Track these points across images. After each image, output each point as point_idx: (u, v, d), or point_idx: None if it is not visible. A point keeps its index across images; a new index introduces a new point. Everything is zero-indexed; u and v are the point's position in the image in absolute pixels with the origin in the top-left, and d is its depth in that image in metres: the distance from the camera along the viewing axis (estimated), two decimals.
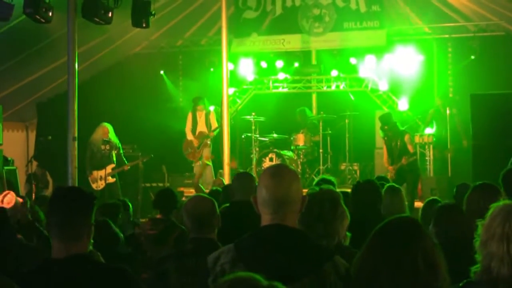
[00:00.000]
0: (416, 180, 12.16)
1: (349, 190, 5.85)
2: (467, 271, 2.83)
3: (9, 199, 6.58)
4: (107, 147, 12.90)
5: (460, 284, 2.83)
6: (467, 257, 3.00)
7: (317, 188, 3.88)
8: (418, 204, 11.90)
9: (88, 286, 3.05)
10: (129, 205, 7.86)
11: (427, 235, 2.58)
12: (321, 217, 3.67)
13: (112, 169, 12.97)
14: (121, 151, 13.30)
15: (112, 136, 13.05)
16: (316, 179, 7.67)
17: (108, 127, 13.04)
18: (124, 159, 13.29)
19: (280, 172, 3.03)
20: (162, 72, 16.52)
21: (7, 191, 6.98)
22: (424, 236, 2.55)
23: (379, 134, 12.92)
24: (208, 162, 13.73)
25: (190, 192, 12.56)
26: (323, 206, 3.70)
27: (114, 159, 13.06)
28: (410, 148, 12.13)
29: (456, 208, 4.66)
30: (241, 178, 6.14)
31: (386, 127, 12.27)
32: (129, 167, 13.26)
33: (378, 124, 13.92)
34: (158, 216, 6.55)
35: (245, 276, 2.28)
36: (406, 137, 12.20)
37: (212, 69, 15.54)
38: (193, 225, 4.38)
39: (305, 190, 3.48)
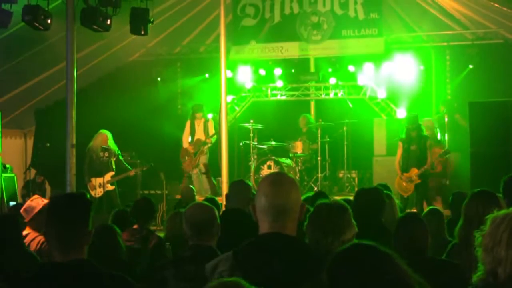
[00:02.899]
0: (425, 190, 11.67)
1: (349, 198, 5.81)
2: None
3: (35, 203, 6.62)
4: (106, 154, 12.81)
5: None
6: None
7: (327, 200, 3.95)
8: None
9: None
10: None
11: (397, 262, 2.37)
12: (330, 220, 3.67)
13: (112, 176, 12.92)
14: (121, 158, 13.25)
15: (111, 144, 12.99)
16: (313, 192, 7.62)
17: (107, 134, 12.99)
18: (127, 165, 13.24)
19: (279, 180, 3.02)
20: (159, 79, 16.55)
21: (36, 196, 7.04)
22: (395, 264, 2.35)
23: (396, 136, 12.59)
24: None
25: None
26: (331, 211, 3.72)
27: (114, 166, 13.01)
28: (428, 154, 11.63)
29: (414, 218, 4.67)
30: (235, 186, 6.13)
31: (411, 126, 11.68)
32: (134, 173, 13.17)
33: (377, 132, 13.96)
34: (135, 226, 6.52)
35: (230, 281, 2.28)
36: (428, 143, 11.75)
37: (207, 75, 15.58)
38: (192, 232, 4.37)
39: None
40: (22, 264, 4.84)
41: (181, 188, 11.96)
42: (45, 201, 6.74)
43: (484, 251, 2.76)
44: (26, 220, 6.47)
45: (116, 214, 7.10)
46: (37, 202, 6.69)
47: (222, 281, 2.30)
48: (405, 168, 11.64)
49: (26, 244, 6.24)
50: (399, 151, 11.83)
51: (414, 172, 11.50)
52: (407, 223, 4.55)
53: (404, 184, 11.49)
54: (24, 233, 6.31)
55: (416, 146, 11.63)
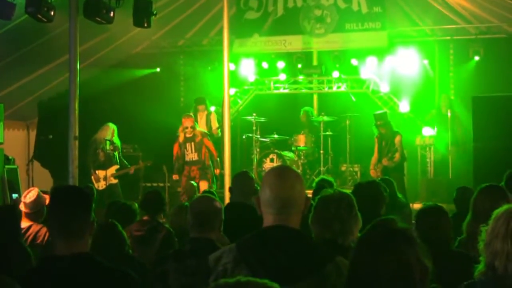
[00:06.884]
0: (400, 181, 11.88)
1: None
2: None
3: (31, 195, 6.62)
4: (111, 147, 12.88)
5: (465, 283, 2.87)
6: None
7: (331, 190, 3.91)
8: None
9: (91, 286, 3.06)
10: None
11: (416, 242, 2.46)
12: (337, 215, 3.70)
13: (116, 170, 12.96)
14: (121, 154, 13.30)
15: (116, 138, 13.05)
16: (317, 179, 7.68)
17: (115, 128, 13.04)
18: (125, 161, 13.28)
19: (284, 173, 3.02)
20: (158, 69, 16.55)
21: (32, 188, 7.05)
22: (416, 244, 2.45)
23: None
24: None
25: None
26: (340, 205, 3.75)
27: (118, 160, 13.06)
28: (397, 149, 12.28)
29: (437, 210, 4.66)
30: (238, 178, 6.13)
31: (379, 123, 12.43)
32: (133, 170, 13.24)
33: None
34: (145, 217, 6.60)
35: (258, 282, 2.27)
36: (397, 139, 12.29)
37: (209, 68, 15.57)
38: (194, 222, 4.37)
39: (308, 191, 3.51)
40: (18, 258, 4.84)
41: (183, 185, 11.99)
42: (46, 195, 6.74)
43: (484, 244, 2.84)
44: (29, 212, 6.45)
45: (121, 208, 7.09)
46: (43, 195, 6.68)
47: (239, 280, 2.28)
48: (377, 163, 12.49)
49: (32, 235, 6.25)
50: (376, 148, 12.66)
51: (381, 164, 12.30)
52: (430, 214, 4.54)
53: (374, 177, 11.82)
54: (26, 225, 6.32)
55: (386, 142, 12.37)
